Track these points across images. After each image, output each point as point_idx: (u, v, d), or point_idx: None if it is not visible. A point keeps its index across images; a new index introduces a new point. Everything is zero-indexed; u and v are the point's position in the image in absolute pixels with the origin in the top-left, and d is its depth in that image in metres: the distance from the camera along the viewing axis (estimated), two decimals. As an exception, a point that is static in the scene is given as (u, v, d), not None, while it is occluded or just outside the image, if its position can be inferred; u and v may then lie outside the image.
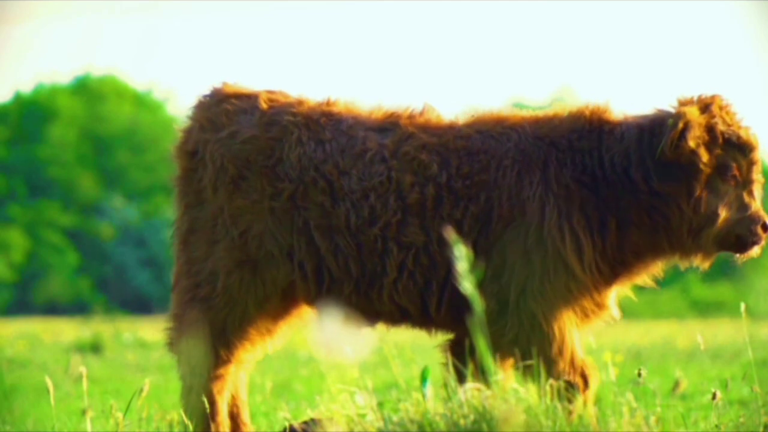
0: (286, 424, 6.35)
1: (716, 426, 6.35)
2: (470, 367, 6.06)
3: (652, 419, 5.34)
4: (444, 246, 6.04)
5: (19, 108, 64.07)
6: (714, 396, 6.40)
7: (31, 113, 63.33)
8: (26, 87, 69.77)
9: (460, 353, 6.24)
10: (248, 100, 6.43)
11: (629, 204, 6.08)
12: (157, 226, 62.77)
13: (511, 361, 6.12)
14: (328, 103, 6.42)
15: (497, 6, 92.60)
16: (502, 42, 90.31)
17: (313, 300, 6.30)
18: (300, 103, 6.42)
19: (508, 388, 5.27)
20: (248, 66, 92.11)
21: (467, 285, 4.98)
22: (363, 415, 5.51)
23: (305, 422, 6.26)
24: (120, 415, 6.43)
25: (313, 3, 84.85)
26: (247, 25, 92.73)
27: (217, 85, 6.59)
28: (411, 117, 6.29)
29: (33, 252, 59.98)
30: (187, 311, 6.37)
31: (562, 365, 6.04)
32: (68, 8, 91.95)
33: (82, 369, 6.57)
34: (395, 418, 5.38)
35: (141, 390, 6.47)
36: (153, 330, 28.71)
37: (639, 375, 6.19)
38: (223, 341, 6.35)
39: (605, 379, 5.91)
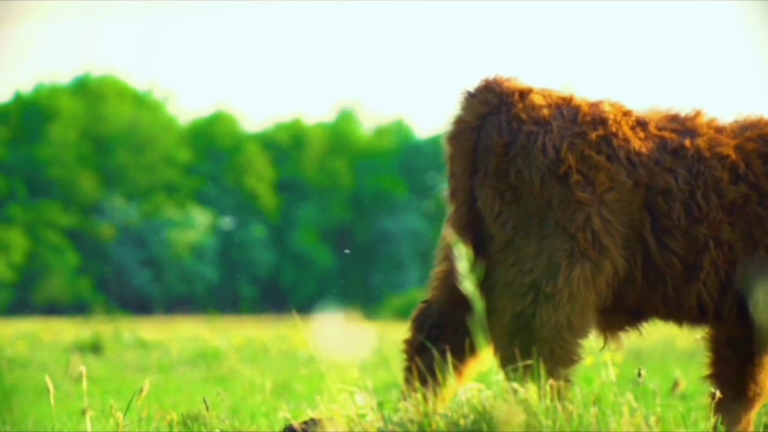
0: (287, 424, 6.34)
1: (716, 426, 6.36)
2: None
3: (652, 419, 5.34)
4: (748, 243, 6.27)
5: (19, 108, 64.04)
6: (714, 396, 6.41)
7: (31, 113, 63.30)
8: (26, 87, 69.75)
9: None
10: (550, 97, 6.37)
11: None
12: (157, 226, 62.76)
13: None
14: (598, 104, 6.42)
15: (498, 6, 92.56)
16: (502, 41, 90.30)
17: (637, 295, 6.36)
18: (595, 103, 6.44)
19: (508, 388, 5.27)
20: (247, 66, 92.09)
21: (467, 285, 4.99)
22: (363, 415, 5.51)
23: (305, 422, 6.25)
24: (120, 415, 6.43)
25: (312, 3, 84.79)
26: (247, 25, 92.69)
27: (490, 78, 6.42)
28: (690, 120, 6.46)
29: (33, 252, 59.98)
30: (530, 310, 6.18)
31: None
32: (68, 8, 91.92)
33: (82, 369, 6.56)
34: (395, 418, 5.38)
35: (141, 390, 6.47)
36: (153, 330, 28.73)
37: (639, 375, 6.19)
38: (567, 340, 6.23)
39: (605, 379, 5.90)
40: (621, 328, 6.44)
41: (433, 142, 68.65)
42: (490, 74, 6.41)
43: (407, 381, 6.34)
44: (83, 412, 6.07)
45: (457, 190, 6.35)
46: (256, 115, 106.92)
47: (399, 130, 69.03)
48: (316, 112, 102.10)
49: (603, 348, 6.44)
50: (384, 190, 65.31)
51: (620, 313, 6.38)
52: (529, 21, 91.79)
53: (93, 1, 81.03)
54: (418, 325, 6.44)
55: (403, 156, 66.57)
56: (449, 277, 6.36)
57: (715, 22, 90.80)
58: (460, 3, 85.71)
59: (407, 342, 6.44)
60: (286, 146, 66.89)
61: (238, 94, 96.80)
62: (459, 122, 6.37)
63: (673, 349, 18.13)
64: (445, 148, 6.42)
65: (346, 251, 64.86)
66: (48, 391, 6.32)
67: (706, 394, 6.52)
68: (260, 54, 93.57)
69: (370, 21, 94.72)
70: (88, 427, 6.13)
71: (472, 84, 6.43)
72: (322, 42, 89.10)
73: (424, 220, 63.47)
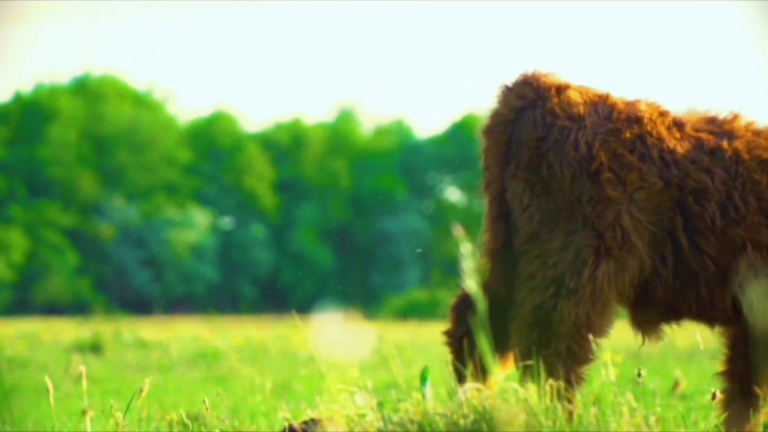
0: (286, 424, 6.34)
1: (716, 426, 6.36)
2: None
3: (652, 419, 5.34)
4: None
5: (19, 108, 64.09)
6: (714, 396, 6.41)
7: (31, 113, 63.34)
8: (26, 87, 69.79)
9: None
10: (587, 94, 6.34)
11: None
12: (157, 226, 62.78)
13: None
14: (634, 103, 6.39)
15: (496, 6, 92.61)
16: (499, 41, 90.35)
17: (669, 293, 6.35)
18: (632, 102, 6.42)
19: (508, 388, 5.27)
20: (247, 66, 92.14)
21: (471, 284, 5.00)
22: (363, 415, 5.51)
23: (305, 422, 6.26)
24: (120, 415, 6.43)
25: (312, 3, 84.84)
26: (247, 25, 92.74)
27: (528, 73, 6.39)
28: (727, 122, 6.43)
29: (33, 252, 60.01)
30: (550, 304, 6.15)
31: None
32: (68, 8, 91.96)
33: (83, 369, 6.56)
34: (395, 418, 5.38)
35: (141, 390, 6.47)
36: (153, 330, 28.74)
37: (639, 375, 6.19)
38: (584, 337, 6.17)
39: (605, 379, 5.91)
40: (657, 324, 6.44)
41: (433, 142, 68.78)
42: (528, 69, 6.42)
43: (456, 371, 6.30)
44: (83, 412, 6.07)
45: (490, 183, 6.35)
46: (256, 115, 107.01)
47: (399, 130, 69.05)
48: (316, 112, 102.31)
49: (642, 345, 6.44)
50: (384, 190, 65.33)
51: (654, 308, 6.37)
52: (528, 21, 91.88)
53: (93, 1, 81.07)
54: (458, 316, 6.44)
55: (402, 156, 66.58)
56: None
57: (715, 22, 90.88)
58: (460, 3, 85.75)
59: (448, 333, 6.43)
60: (286, 146, 66.93)
61: (238, 94, 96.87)
62: (494, 115, 6.36)
63: (673, 349, 18.13)
64: (480, 141, 6.40)
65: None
66: (48, 391, 6.31)
67: (706, 393, 6.53)
68: (260, 54, 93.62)
69: (370, 21, 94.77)
70: (88, 427, 6.13)
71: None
72: (322, 42, 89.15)
73: (423, 220, 63.50)
